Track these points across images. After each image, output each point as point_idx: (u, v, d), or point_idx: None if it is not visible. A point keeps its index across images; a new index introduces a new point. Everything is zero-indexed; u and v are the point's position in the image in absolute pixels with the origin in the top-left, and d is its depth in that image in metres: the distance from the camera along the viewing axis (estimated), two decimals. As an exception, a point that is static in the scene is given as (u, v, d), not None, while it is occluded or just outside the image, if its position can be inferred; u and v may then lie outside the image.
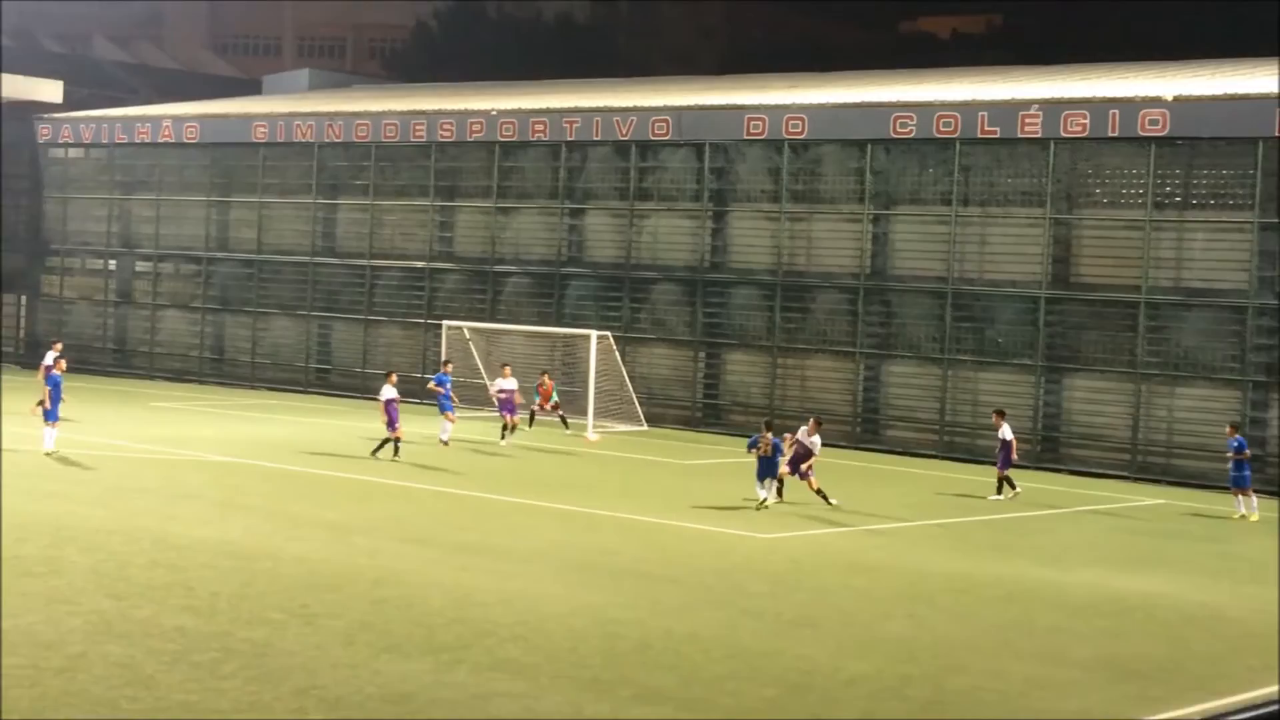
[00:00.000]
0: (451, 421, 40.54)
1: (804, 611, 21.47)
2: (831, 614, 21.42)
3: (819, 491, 31.73)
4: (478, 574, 22.79)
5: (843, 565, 25.49)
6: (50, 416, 34.29)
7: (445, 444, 39.63)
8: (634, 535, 27.52)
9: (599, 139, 51.39)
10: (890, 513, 32.39)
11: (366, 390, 54.55)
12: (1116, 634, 21.16)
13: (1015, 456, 35.79)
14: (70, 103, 65.68)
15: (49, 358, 42.27)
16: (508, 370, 43.88)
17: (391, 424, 36.68)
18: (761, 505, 31.00)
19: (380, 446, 36.59)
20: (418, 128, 55.19)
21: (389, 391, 37.40)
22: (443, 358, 49.50)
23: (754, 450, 31.77)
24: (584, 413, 47.20)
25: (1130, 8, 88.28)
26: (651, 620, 20.22)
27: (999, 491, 35.08)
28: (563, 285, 52.21)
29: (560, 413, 46.71)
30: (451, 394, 41.47)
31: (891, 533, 29.80)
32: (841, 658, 18.82)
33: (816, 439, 32.93)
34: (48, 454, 33.77)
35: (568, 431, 45.95)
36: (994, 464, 35.85)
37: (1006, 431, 35.56)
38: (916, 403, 46.05)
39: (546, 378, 46.82)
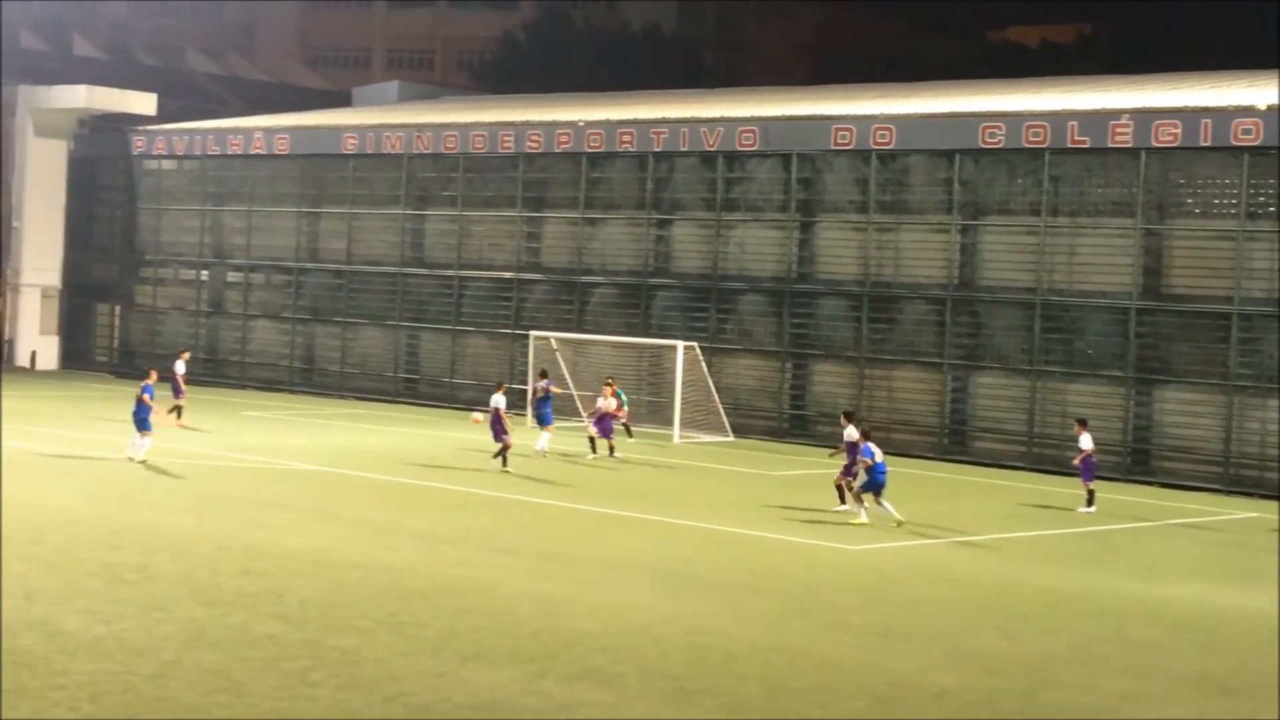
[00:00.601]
0: (549, 433, 40.58)
1: (892, 624, 21.38)
2: (920, 626, 21.30)
3: (858, 496, 31.29)
4: (565, 584, 22.85)
5: (931, 577, 25.34)
6: (143, 425, 34.53)
7: (543, 455, 39.74)
8: (720, 546, 27.49)
9: (686, 150, 51.42)
10: (978, 525, 32.17)
11: (454, 400, 54.91)
12: (1210, 649, 20.93)
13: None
14: (163, 115, 66.56)
15: (180, 366, 42.85)
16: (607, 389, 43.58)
17: (501, 434, 36.88)
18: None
19: (499, 455, 36.71)
20: (506, 139, 55.43)
21: (499, 400, 37.59)
22: (531, 368, 49.72)
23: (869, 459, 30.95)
24: (670, 423, 47.23)
25: (1222, 16, 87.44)
26: (738, 631, 20.19)
27: (1089, 504, 34.68)
28: (650, 296, 52.25)
29: (624, 421, 46.80)
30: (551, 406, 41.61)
31: (980, 545, 29.59)
32: (930, 671, 18.72)
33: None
34: (140, 462, 34.10)
35: (630, 440, 46.06)
36: (1080, 476, 35.36)
37: (1087, 441, 35.10)
38: (1004, 414, 45.72)
39: (610, 383, 46.95)
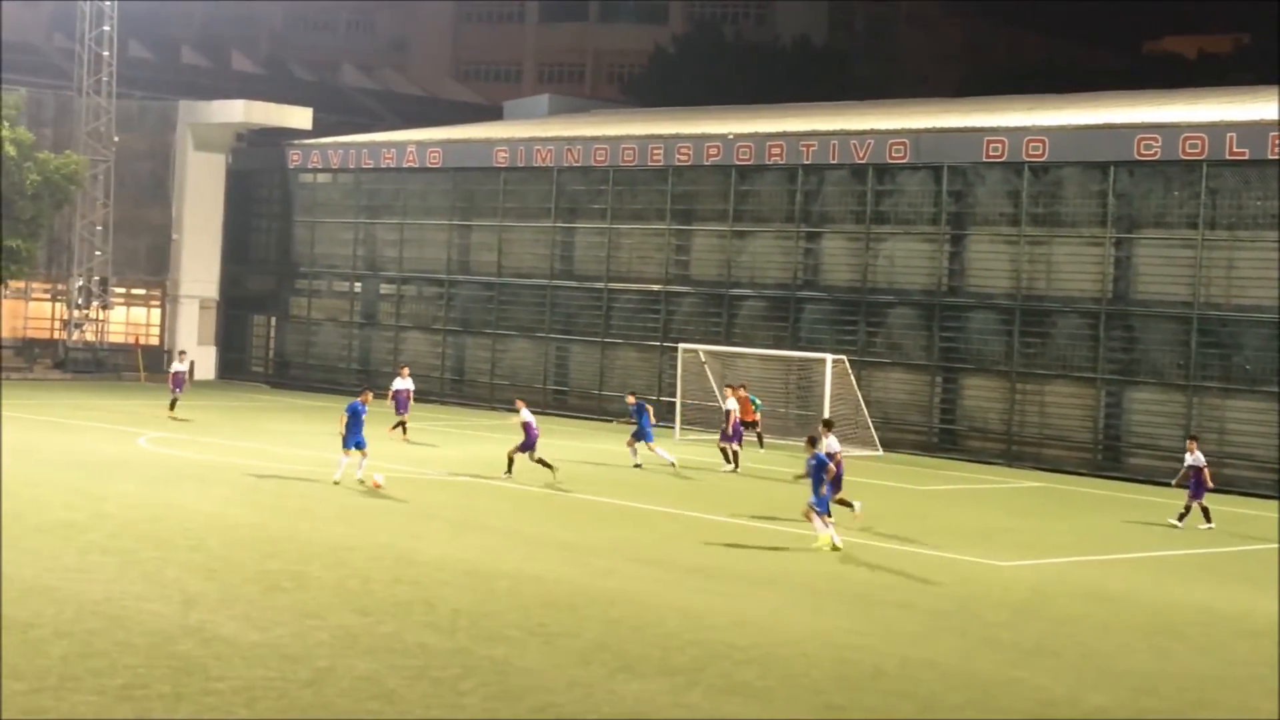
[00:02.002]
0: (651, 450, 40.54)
1: (1044, 641, 21.11)
2: (1072, 644, 21.02)
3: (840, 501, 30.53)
4: (712, 596, 22.84)
5: (1084, 594, 25.00)
6: (349, 443, 33.94)
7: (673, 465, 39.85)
8: (869, 560, 27.32)
9: (836, 162, 51.24)
10: (1133, 542, 31.68)
11: (603, 412, 55.15)
12: (1372, 672, 20.42)
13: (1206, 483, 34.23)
14: (319, 129, 67.61)
15: (400, 383, 43.53)
16: (731, 391, 43.74)
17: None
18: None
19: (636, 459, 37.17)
20: (655, 152, 55.60)
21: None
22: (680, 381, 49.88)
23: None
24: (819, 437, 47.01)
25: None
26: (886, 647, 20.06)
27: (1207, 519, 33.76)
28: (798, 309, 52.12)
29: (759, 430, 46.88)
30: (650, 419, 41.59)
31: (1134, 562, 29.14)
32: (1081, 689, 18.46)
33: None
34: (360, 481, 34.53)
35: (761, 450, 46.04)
36: (1241, 493, 34.46)
37: (1199, 458, 34.25)
38: (1159, 430, 45.00)
39: (742, 391, 46.95)
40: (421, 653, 18.29)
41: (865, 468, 43.92)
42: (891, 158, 50.05)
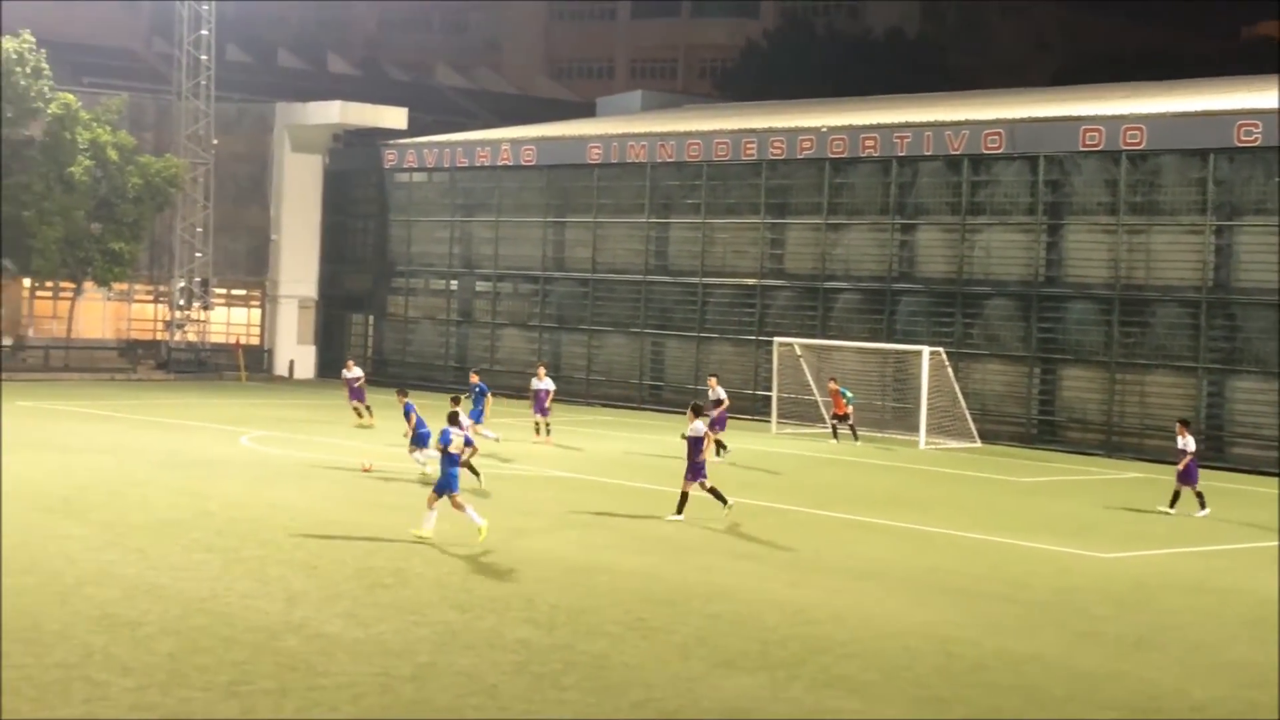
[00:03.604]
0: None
1: (1148, 634, 20.94)
2: (1176, 637, 20.83)
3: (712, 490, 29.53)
4: (811, 590, 22.82)
5: (1188, 586, 24.76)
6: (425, 441, 33.83)
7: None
8: (969, 553, 27.19)
9: (930, 153, 50.97)
10: (1237, 533, 31.34)
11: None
12: None
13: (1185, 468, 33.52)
14: (414, 129, 68.05)
15: (538, 383, 43.37)
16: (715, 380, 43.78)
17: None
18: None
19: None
20: (749, 146, 55.54)
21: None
22: (776, 375, 49.85)
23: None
24: (916, 429, 46.89)
25: None
26: (988, 640, 19.96)
27: (1201, 506, 33.30)
28: (894, 301, 51.90)
29: (851, 423, 46.77)
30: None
31: (1239, 554, 28.81)
32: (1187, 682, 18.30)
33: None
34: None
35: (856, 443, 45.98)
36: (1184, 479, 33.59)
37: (1189, 443, 33.44)
38: (1262, 419, 44.45)
39: (833, 384, 47.01)
40: (522, 648, 18.39)
41: (963, 460, 43.72)
42: (987, 148, 49.73)
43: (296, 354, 67.03)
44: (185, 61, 65.86)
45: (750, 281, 55.36)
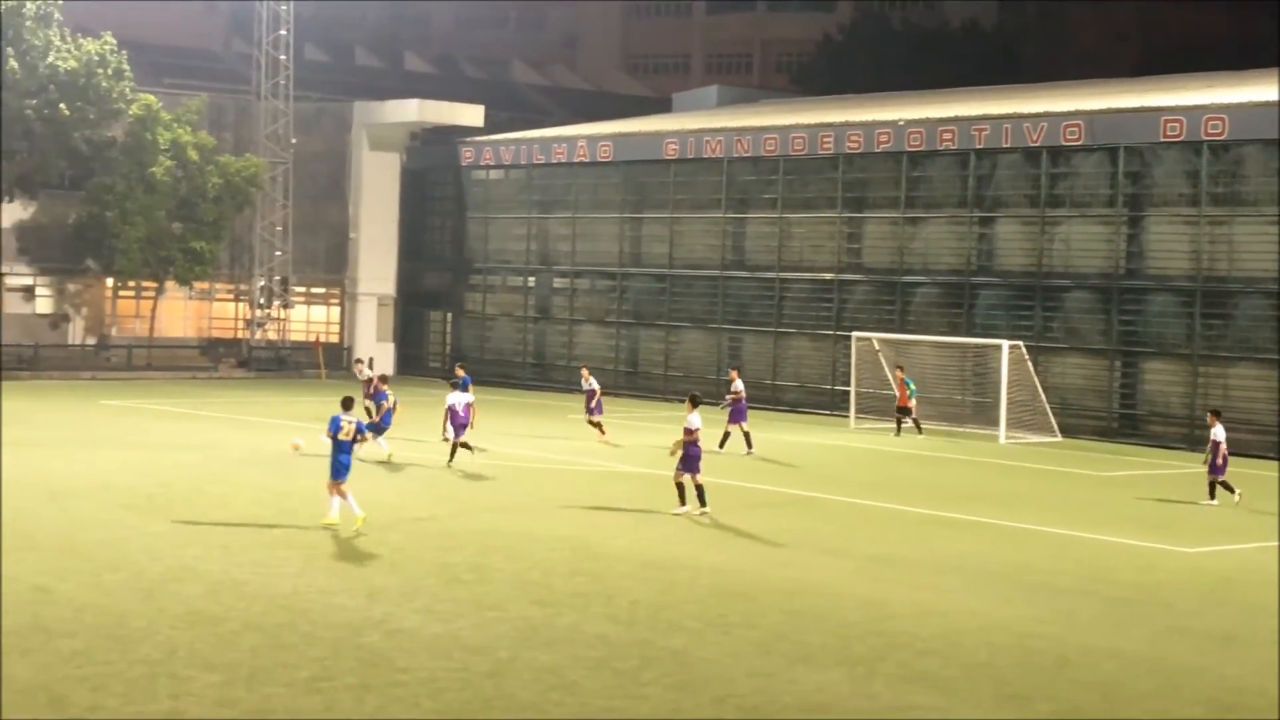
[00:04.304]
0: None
1: (1233, 629, 20.71)
2: (1263, 632, 20.58)
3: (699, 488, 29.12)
4: (891, 586, 22.73)
5: (1274, 582, 24.46)
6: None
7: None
8: (1050, 548, 27.00)
9: (1009, 146, 50.65)
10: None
11: (776, 402, 55.11)
12: None
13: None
14: (491, 126, 68.26)
15: (592, 383, 43.31)
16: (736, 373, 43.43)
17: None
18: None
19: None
20: (825, 140, 55.37)
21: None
22: (854, 370, 49.71)
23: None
24: (995, 423, 46.62)
25: None
26: (1070, 635, 19.82)
27: (1211, 496, 33.03)
28: (973, 295, 51.61)
29: (914, 416, 46.67)
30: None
31: (1324, 548, 28.45)
32: (1273, 678, 18.08)
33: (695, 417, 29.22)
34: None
35: (899, 435, 45.91)
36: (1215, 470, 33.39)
37: (1218, 432, 33.12)
38: (1350, 412, 43.91)
39: (900, 373, 46.94)
40: (602, 644, 18.42)
41: (1043, 454, 43.43)
42: (1066, 140, 49.36)
43: (375, 351, 67.35)
44: (264, 61, 66.38)
45: (827, 276, 55.20)
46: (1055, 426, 47.61)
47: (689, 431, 28.78)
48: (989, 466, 40.41)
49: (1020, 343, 48.26)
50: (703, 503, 28.81)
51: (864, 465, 39.42)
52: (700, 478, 28.92)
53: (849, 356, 51.11)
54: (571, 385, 60.09)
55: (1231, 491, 33.03)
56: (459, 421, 35.98)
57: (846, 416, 50.04)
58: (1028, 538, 28.10)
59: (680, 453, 28.87)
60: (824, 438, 45.99)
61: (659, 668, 17.42)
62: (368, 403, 44.10)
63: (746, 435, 40.64)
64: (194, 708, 15.34)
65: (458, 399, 36.36)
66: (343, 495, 25.85)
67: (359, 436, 26.41)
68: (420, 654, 17.62)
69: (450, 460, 35.60)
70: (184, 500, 28.63)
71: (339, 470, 25.82)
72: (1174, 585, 23.78)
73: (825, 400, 53.84)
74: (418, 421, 42.86)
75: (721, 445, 40.06)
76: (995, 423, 46.68)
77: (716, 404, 43.21)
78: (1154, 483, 36.82)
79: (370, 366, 46.68)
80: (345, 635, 18.35)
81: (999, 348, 47.24)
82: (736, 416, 40.83)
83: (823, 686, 16.97)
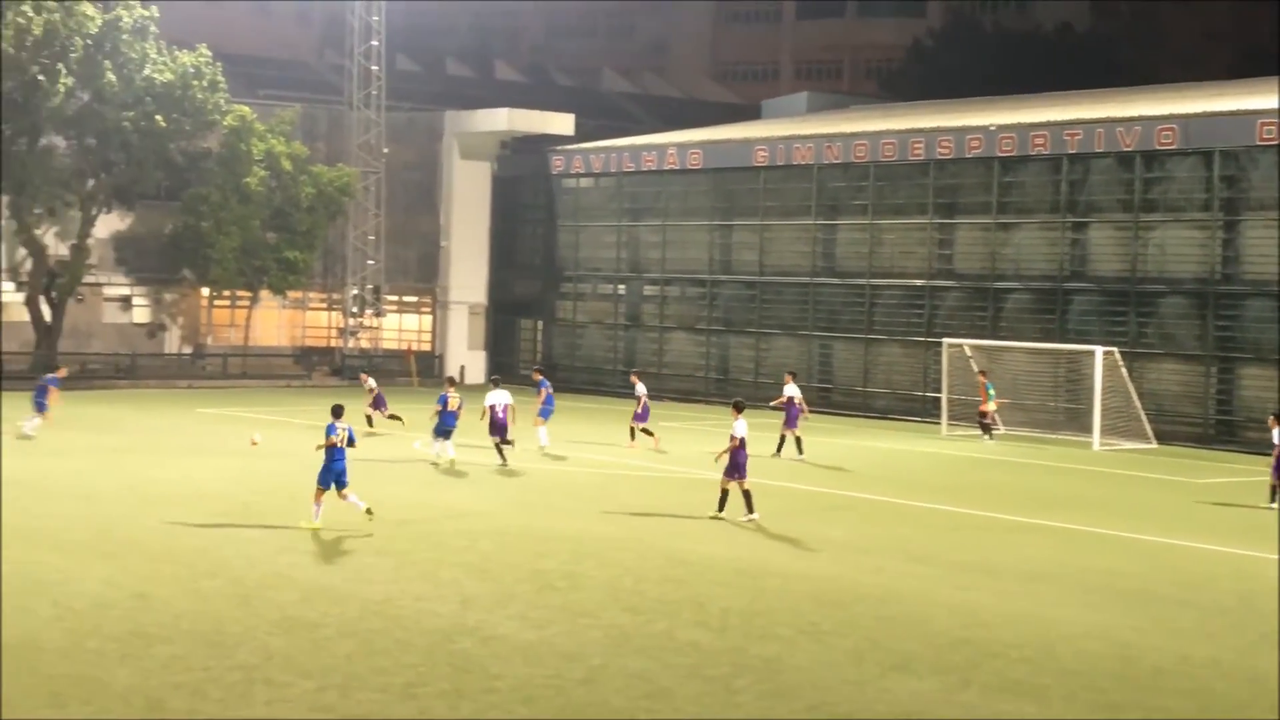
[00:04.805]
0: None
1: (1331, 638, 20.45)
2: (1361, 642, 20.32)
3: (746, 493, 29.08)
4: (982, 593, 22.61)
5: (1373, 590, 24.13)
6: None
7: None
8: (1144, 555, 26.77)
9: (1102, 150, 50.26)
10: None
11: (867, 409, 54.94)
12: None
13: None
14: (581, 134, 68.44)
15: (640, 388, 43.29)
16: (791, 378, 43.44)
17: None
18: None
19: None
20: (915, 146, 55.16)
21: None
22: (945, 376, 49.46)
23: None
24: (1089, 430, 46.23)
25: None
26: (1166, 644, 19.65)
27: (1272, 499, 32.82)
28: (1066, 300, 51.23)
29: (987, 421, 46.46)
30: None
31: None
32: (1373, 688, 17.85)
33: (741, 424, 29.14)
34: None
35: (990, 441, 45.67)
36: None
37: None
38: None
39: (982, 378, 46.77)
40: (694, 651, 18.45)
41: (1138, 461, 43.04)
42: (1160, 144, 48.92)
43: (467, 359, 67.72)
44: (356, 72, 66.92)
45: (919, 282, 54.98)
46: (1150, 433, 47.15)
47: (734, 438, 28.80)
48: (1082, 473, 40.09)
49: (1114, 349, 47.85)
50: (750, 509, 28.86)
51: (955, 472, 39.22)
52: (747, 483, 28.98)
53: (940, 363, 50.84)
54: (661, 393, 60.19)
55: (1272, 496, 32.93)
56: (499, 421, 36.73)
57: (938, 423, 49.80)
58: (1122, 545, 27.86)
59: (727, 459, 28.92)
60: (915, 444, 45.79)
61: (751, 675, 17.43)
62: (371, 411, 44.30)
63: (797, 440, 40.62)
64: (290, 713, 15.51)
65: (497, 398, 37.02)
66: (343, 498, 26.43)
67: (351, 443, 26.87)
68: (513, 660, 17.72)
69: (503, 462, 36.23)
70: (279, 507, 28.91)
71: (330, 477, 26.41)
72: (1270, 594, 23.47)
73: (916, 407, 53.60)
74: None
75: (777, 451, 40.14)
76: (1089, 429, 46.29)
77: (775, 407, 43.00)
78: (1250, 489, 36.36)
79: (374, 379, 46.82)
80: (439, 641, 18.49)
81: (1092, 354, 46.85)
82: (789, 422, 40.72)
83: (916, 695, 16.92)
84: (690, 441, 43.85)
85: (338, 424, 26.66)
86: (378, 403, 44.92)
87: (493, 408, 36.99)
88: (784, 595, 21.95)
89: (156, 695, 15.97)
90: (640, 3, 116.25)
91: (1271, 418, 34.08)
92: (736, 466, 28.85)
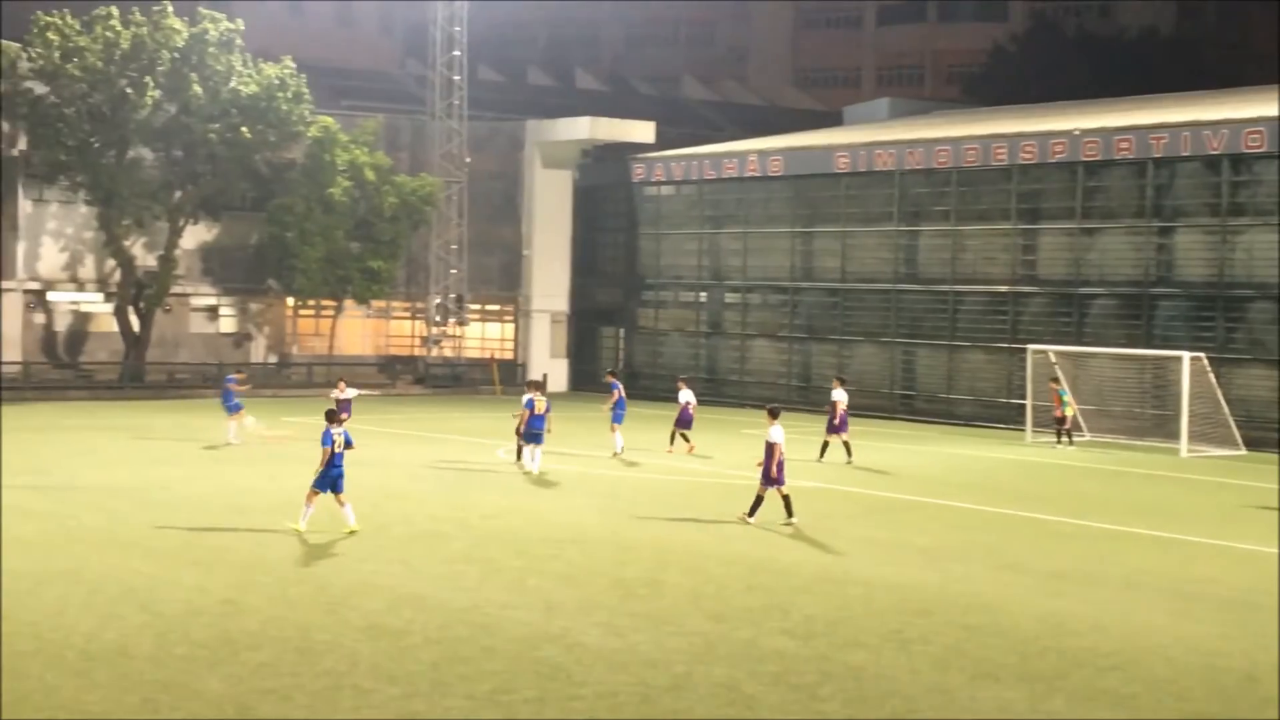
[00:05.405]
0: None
1: None
2: None
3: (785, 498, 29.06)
4: (1071, 601, 22.43)
5: None
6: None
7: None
8: (1236, 564, 26.46)
9: (1188, 154, 49.80)
10: None
11: (951, 416, 54.66)
12: None
13: None
14: (661, 142, 68.52)
15: (687, 394, 43.27)
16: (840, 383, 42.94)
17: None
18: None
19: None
20: (998, 151, 54.85)
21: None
22: (1030, 383, 49.11)
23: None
24: (1176, 436, 45.77)
25: None
26: (1258, 654, 19.41)
27: None
28: (1151, 306, 50.78)
29: (1066, 427, 46.17)
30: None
31: None
32: None
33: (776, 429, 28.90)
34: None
35: (1071, 447, 45.37)
36: None
37: None
38: None
39: (1054, 385, 46.53)
40: (778, 659, 18.41)
41: (1227, 467, 42.58)
42: (1247, 147, 48.43)
43: (550, 367, 67.87)
44: (438, 82, 67.26)
45: (1002, 288, 54.65)
46: (1239, 439, 46.63)
47: (770, 445, 28.80)
48: (1171, 480, 39.70)
49: (1202, 354, 47.34)
50: (789, 513, 28.89)
51: (1040, 479, 38.95)
52: (785, 489, 28.99)
53: (1025, 370, 50.50)
54: (743, 400, 60.14)
55: None
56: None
57: (1023, 430, 49.47)
58: (1210, 553, 27.57)
59: (763, 465, 28.95)
60: (1000, 451, 45.50)
61: (836, 683, 17.37)
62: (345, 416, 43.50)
63: (845, 445, 40.62)
64: (376, 719, 15.60)
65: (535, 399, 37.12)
66: (340, 504, 26.64)
67: (349, 445, 27.05)
68: (598, 668, 17.74)
69: (518, 461, 37.14)
70: (364, 515, 29.05)
71: (327, 481, 26.56)
72: (1365, 602, 23.16)
73: (1001, 414, 53.26)
74: (577, 435, 43.11)
75: (820, 456, 40.53)
76: (1176, 435, 45.82)
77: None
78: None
79: (347, 386, 45.75)
80: (523, 649, 18.54)
81: (1179, 359, 46.40)
82: (837, 427, 40.74)
83: (1003, 703, 16.80)
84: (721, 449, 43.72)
85: (333, 429, 26.75)
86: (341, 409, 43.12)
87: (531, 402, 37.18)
88: (869, 603, 21.87)
89: (245, 701, 16.10)
90: (720, 10, 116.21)
91: None
92: (772, 472, 28.85)
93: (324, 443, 26.64)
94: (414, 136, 69.36)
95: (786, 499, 29.03)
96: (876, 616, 20.92)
